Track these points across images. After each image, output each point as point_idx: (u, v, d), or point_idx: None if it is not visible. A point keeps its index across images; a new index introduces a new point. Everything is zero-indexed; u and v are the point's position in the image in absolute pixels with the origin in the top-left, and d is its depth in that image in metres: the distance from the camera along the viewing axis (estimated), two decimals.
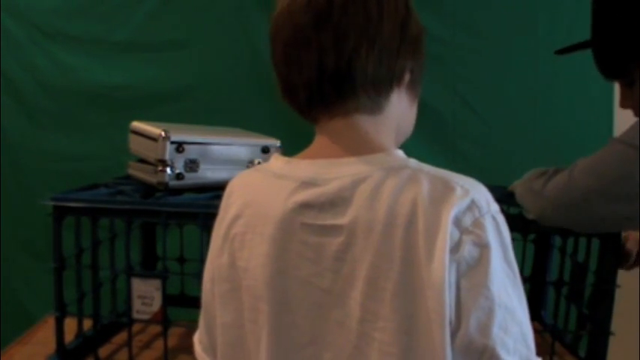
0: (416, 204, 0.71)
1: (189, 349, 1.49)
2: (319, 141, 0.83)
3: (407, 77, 0.81)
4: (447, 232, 0.69)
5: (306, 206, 0.77)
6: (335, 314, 0.76)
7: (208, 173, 1.35)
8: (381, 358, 0.72)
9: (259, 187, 0.83)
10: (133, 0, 2.38)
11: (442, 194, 0.71)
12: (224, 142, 1.38)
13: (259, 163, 1.40)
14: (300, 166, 0.81)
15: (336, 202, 0.75)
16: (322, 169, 0.78)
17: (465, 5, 2.18)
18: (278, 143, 1.45)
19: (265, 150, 1.42)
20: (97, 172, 1.87)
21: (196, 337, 0.97)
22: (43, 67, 2.42)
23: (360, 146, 0.79)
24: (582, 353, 1.38)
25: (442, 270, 0.69)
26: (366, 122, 0.80)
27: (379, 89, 0.79)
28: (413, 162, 0.77)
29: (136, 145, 1.44)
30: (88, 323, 1.43)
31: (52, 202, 1.31)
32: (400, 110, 0.84)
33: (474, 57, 2.19)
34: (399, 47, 0.78)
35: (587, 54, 1.44)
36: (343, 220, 0.74)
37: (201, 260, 1.29)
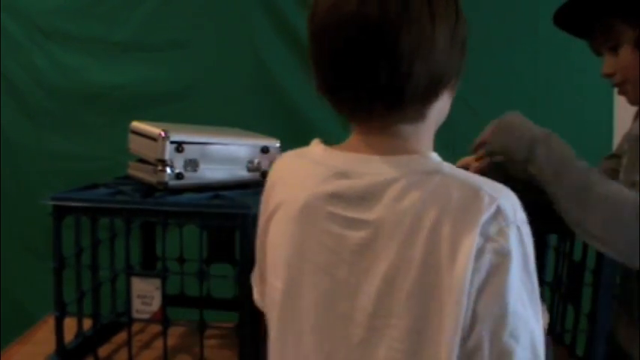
0: (443, 210, 0.72)
1: (189, 348, 1.50)
2: (356, 138, 0.83)
3: (453, 81, 0.83)
4: (473, 240, 0.71)
5: (335, 196, 0.79)
6: (342, 306, 0.77)
7: (208, 173, 1.35)
8: (389, 353, 0.74)
9: (297, 171, 0.86)
10: (133, 0, 2.38)
11: (470, 202, 0.72)
12: (224, 142, 1.38)
13: (259, 163, 1.41)
14: (336, 156, 0.83)
15: (365, 198, 0.77)
16: (357, 163, 0.80)
17: (464, 5, 2.18)
18: (278, 143, 1.44)
19: (265, 150, 1.41)
20: (97, 172, 1.87)
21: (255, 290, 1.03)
22: (43, 67, 2.43)
23: (397, 149, 0.80)
24: (580, 352, 1.38)
25: (464, 276, 0.70)
26: (406, 130, 0.81)
27: (427, 100, 0.80)
28: (446, 167, 0.78)
29: (135, 145, 1.44)
30: (87, 323, 1.43)
31: (52, 201, 1.31)
32: (441, 109, 0.84)
33: (474, 57, 2.19)
34: (450, 58, 0.78)
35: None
36: (369, 216, 0.76)
37: (201, 260, 1.30)
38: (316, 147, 0.87)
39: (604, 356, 1.28)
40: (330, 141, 2.65)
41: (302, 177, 0.84)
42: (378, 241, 0.75)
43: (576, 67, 2.18)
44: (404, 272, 0.73)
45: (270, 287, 0.86)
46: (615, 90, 1.34)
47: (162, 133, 1.30)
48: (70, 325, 1.38)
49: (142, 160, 1.42)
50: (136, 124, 1.44)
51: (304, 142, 2.56)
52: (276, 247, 0.84)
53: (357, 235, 0.77)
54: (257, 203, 1.25)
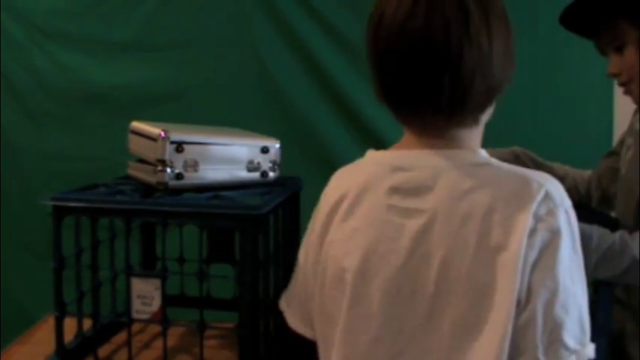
0: (495, 197, 0.80)
1: (189, 349, 1.50)
2: (410, 139, 0.91)
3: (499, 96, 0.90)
4: (527, 222, 0.78)
5: (394, 190, 0.86)
6: (406, 289, 0.83)
7: (208, 173, 1.35)
8: (453, 328, 0.81)
9: (356, 173, 0.94)
10: (133, 0, 2.38)
11: (520, 189, 0.80)
12: (224, 142, 1.38)
13: (258, 163, 1.40)
14: (391, 155, 0.91)
15: (421, 189, 0.84)
16: (411, 158, 0.88)
17: None
18: (277, 143, 1.44)
19: (265, 150, 1.41)
20: (97, 172, 1.87)
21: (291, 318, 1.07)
22: (42, 68, 2.43)
23: (449, 146, 0.88)
24: None
25: (518, 254, 0.77)
26: (461, 135, 0.88)
27: (484, 108, 0.88)
28: (494, 161, 0.86)
29: (135, 145, 1.44)
30: (88, 323, 1.43)
31: (52, 201, 1.31)
32: (489, 111, 0.92)
33: None
34: (504, 69, 0.86)
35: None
36: (425, 205, 0.83)
37: (201, 260, 1.29)
38: (371, 153, 0.95)
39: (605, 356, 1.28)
40: (330, 141, 2.63)
41: (361, 176, 0.91)
42: (435, 228, 0.82)
43: (576, 67, 2.18)
44: (460, 255, 0.80)
45: (334, 280, 0.91)
46: (615, 90, 1.35)
47: (162, 134, 1.30)
48: (70, 325, 1.38)
49: (141, 161, 1.42)
50: (136, 125, 1.44)
51: (304, 142, 2.55)
52: (341, 241, 0.90)
53: (415, 224, 0.83)
54: (257, 203, 1.26)
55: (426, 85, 0.83)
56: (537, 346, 0.77)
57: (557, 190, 0.82)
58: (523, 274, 0.78)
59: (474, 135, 0.90)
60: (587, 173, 1.56)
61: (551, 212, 0.79)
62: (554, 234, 0.79)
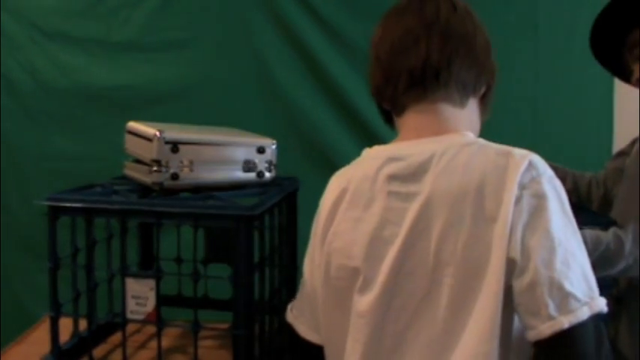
0: (484, 172, 0.84)
1: (184, 349, 1.50)
2: (405, 130, 0.97)
3: (482, 90, 0.98)
4: (513, 192, 0.82)
5: (393, 177, 0.91)
6: (406, 267, 0.88)
7: (203, 173, 1.34)
8: (451, 299, 0.85)
9: (355, 169, 0.98)
10: (133, 0, 2.38)
11: (506, 162, 0.85)
12: (219, 142, 1.38)
13: (254, 163, 1.40)
14: (386, 148, 0.97)
15: (418, 173, 0.89)
16: (405, 148, 0.94)
17: None
18: (274, 144, 1.44)
19: (261, 150, 1.41)
20: (96, 172, 1.86)
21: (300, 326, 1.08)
22: (43, 68, 2.43)
23: (439, 129, 0.93)
24: None
25: (505, 223, 0.81)
26: (448, 111, 0.95)
27: (465, 88, 0.95)
28: (481, 140, 0.91)
29: (131, 145, 1.44)
30: (86, 324, 1.42)
31: (47, 202, 1.31)
32: (474, 115, 0.99)
33: None
34: (484, 63, 0.96)
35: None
36: (423, 187, 0.88)
37: (195, 260, 1.29)
38: (367, 150, 1.00)
39: None
40: (330, 141, 2.61)
41: (359, 170, 0.96)
42: (432, 205, 0.86)
43: (576, 67, 2.17)
44: (457, 229, 0.84)
45: (339, 270, 0.95)
46: (615, 90, 1.34)
47: (158, 134, 1.30)
48: (68, 325, 1.38)
49: (137, 161, 1.42)
50: (132, 125, 1.44)
51: (304, 142, 2.54)
52: (345, 232, 0.94)
53: (414, 206, 0.88)
54: (251, 204, 1.25)
55: (419, 49, 0.92)
56: (548, 303, 0.79)
57: (540, 161, 0.86)
58: (514, 240, 0.81)
59: (460, 118, 0.95)
60: (587, 175, 1.55)
61: (535, 180, 0.83)
62: (540, 198, 0.82)
